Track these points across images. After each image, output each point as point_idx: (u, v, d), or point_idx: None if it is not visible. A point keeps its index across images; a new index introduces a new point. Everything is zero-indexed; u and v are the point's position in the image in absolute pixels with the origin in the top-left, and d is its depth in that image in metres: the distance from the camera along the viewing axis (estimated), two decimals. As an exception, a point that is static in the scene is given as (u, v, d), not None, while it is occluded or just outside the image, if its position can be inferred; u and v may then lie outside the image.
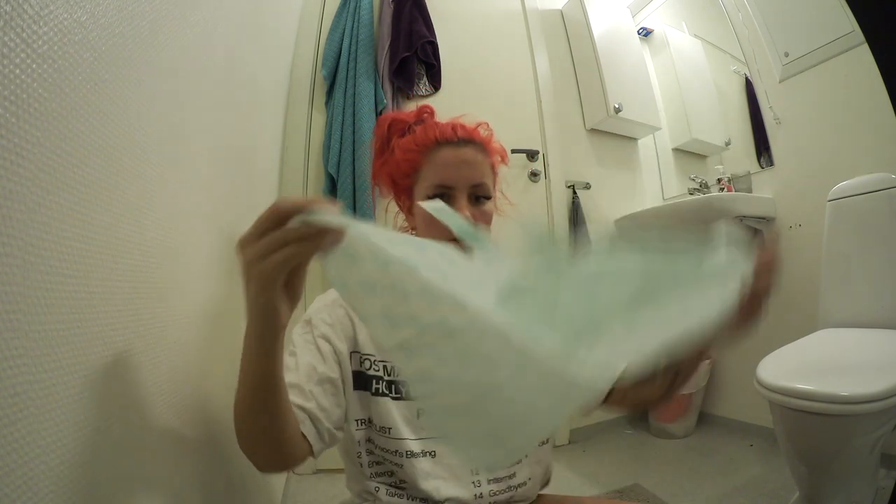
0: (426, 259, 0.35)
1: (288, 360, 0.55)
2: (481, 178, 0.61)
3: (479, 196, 0.61)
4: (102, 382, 0.33)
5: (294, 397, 0.50)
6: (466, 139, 0.61)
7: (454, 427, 0.37)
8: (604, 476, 1.45)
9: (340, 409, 0.55)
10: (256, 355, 0.38)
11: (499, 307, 0.36)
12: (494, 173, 0.66)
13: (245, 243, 0.33)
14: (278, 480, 1.18)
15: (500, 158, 0.67)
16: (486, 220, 0.62)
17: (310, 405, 0.51)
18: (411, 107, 1.64)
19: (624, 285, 0.38)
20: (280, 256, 0.32)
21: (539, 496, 0.66)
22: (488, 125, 0.66)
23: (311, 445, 0.50)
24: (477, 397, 0.36)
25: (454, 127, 0.62)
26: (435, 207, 0.44)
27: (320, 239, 0.32)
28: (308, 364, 0.54)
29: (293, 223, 0.33)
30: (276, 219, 0.33)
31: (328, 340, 0.57)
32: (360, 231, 0.34)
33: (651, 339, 0.34)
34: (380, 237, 0.34)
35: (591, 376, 0.33)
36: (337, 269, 0.34)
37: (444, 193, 0.59)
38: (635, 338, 0.35)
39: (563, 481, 1.41)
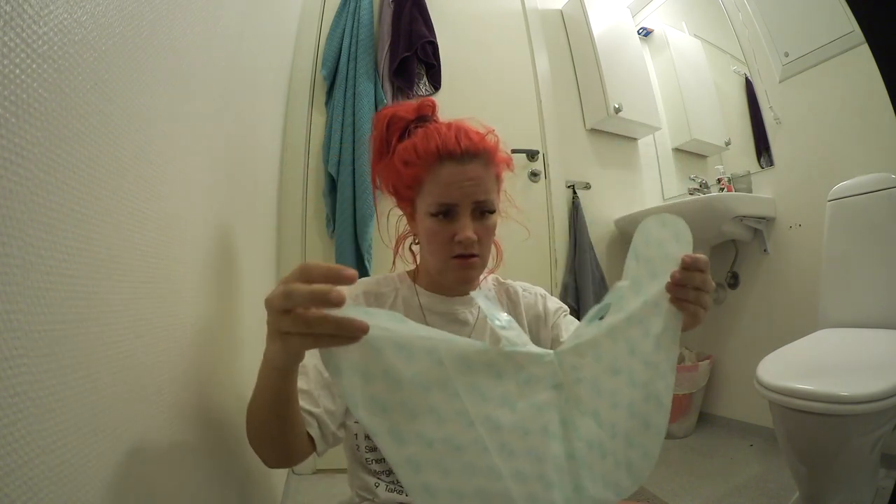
0: (441, 373, 0.40)
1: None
2: (486, 195, 0.59)
3: (483, 210, 0.59)
4: (102, 382, 0.33)
5: (303, 402, 0.53)
6: (471, 153, 0.58)
7: None
8: (604, 476, 1.45)
9: (344, 408, 0.58)
10: (275, 380, 0.42)
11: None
12: (499, 182, 0.64)
13: (273, 306, 0.35)
14: (278, 480, 1.18)
15: (505, 166, 0.65)
16: (489, 233, 0.61)
17: (318, 410, 0.54)
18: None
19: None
20: (307, 342, 0.35)
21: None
22: (495, 132, 0.63)
23: (315, 446, 0.53)
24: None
25: (458, 137, 0.58)
26: (485, 304, 0.47)
27: (343, 338, 0.35)
28: (315, 368, 0.56)
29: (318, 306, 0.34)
30: (305, 279, 0.34)
31: None
32: (377, 341, 0.37)
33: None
34: (395, 351, 0.38)
35: None
36: (349, 385, 0.37)
37: (447, 211, 0.58)
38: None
39: (563, 481, 1.40)
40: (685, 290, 0.45)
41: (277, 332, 0.36)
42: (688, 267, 0.45)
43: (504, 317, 0.46)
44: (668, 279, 0.46)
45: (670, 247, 0.47)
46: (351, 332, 0.34)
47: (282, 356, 0.38)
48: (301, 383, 0.54)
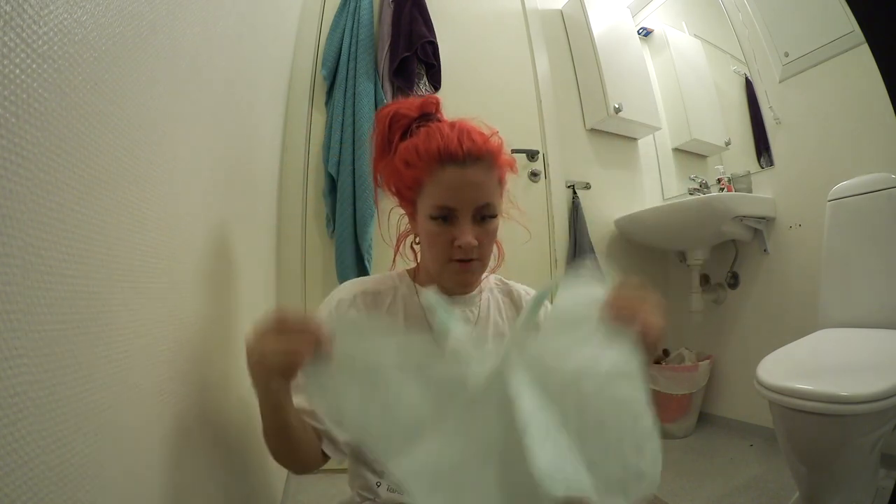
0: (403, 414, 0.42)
1: (300, 378, 0.56)
2: (487, 199, 0.57)
3: (484, 215, 0.58)
4: (102, 382, 0.33)
5: (311, 420, 0.56)
6: (474, 156, 0.56)
7: None
8: (604, 476, 1.45)
9: None
10: (270, 409, 0.47)
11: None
12: (502, 185, 0.62)
13: (249, 344, 0.43)
14: (279, 480, 1.18)
15: (508, 168, 0.63)
16: (490, 237, 0.60)
17: (324, 427, 0.56)
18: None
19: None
20: (281, 365, 0.43)
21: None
22: (498, 134, 0.61)
23: (331, 457, 0.58)
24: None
25: (460, 139, 0.56)
26: (428, 304, 0.49)
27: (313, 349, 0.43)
28: None
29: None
30: (281, 330, 0.43)
31: None
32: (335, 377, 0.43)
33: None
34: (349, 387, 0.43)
35: None
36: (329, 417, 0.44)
37: (448, 215, 0.57)
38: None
39: (563, 481, 1.40)
40: (624, 302, 0.45)
41: (260, 367, 0.44)
42: (615, 285, 0.46)
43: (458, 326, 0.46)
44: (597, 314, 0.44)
45: (593, 291, 0.47)
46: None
47: (267, 386, 0.45)
48: (305, 402, 0.55)
